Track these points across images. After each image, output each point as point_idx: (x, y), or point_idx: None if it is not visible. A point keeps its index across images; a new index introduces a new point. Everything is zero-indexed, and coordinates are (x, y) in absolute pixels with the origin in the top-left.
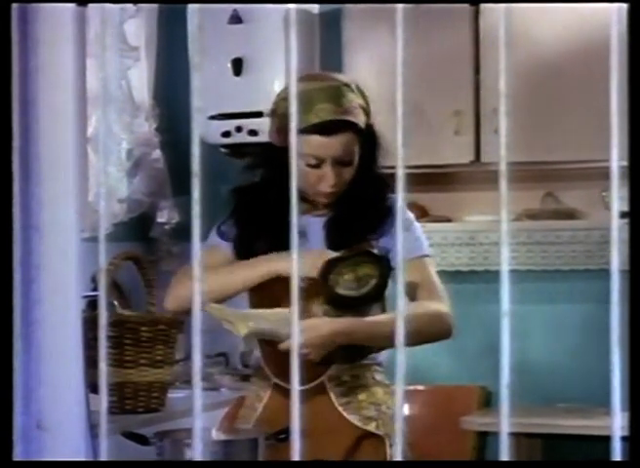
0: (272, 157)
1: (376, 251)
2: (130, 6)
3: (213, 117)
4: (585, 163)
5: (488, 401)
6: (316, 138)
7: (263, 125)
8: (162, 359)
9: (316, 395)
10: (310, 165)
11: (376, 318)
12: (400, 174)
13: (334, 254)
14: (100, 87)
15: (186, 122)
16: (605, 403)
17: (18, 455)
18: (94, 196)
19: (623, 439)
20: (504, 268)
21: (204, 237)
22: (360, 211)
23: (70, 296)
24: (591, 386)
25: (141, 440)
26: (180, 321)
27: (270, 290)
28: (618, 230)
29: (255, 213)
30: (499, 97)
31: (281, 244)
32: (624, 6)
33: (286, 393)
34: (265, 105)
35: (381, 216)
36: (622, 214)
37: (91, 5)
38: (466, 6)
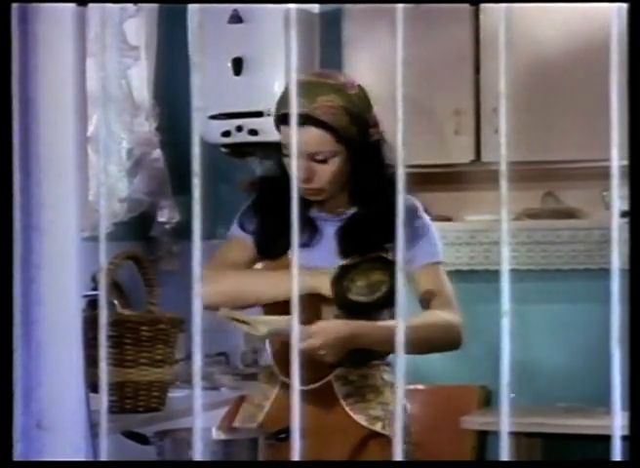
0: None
1: (389, 257)
2: (130, 5)
3: (213, 117)
4: (585, 162)
5: (488, 400)
6: (285, 129)
7: (264, 124)
8: (162, 358)
9: (323, 394)
10: (285, 155)
11: (389, 323)
12: (400, 173)
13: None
14: (100, 86)
15: (187, 121)
16: (605, 402)
17: (18, 455)
18: (94, 195)
19: (624, 438)
20: (505, 268)
21: (204, 236)
22: (373, 219)
23: (70, 296)
24: (591, 386)
25: (142, 439)
26: (180, 320)
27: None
28: (618, 230)
29: (275, 205)
30: (499, 97)
31: (299, 238)
32: (624, 6)
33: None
34: (266, 105)
35: (392, 224)
36: (623, 214)
37: (91, 5)
38: (466, 5)
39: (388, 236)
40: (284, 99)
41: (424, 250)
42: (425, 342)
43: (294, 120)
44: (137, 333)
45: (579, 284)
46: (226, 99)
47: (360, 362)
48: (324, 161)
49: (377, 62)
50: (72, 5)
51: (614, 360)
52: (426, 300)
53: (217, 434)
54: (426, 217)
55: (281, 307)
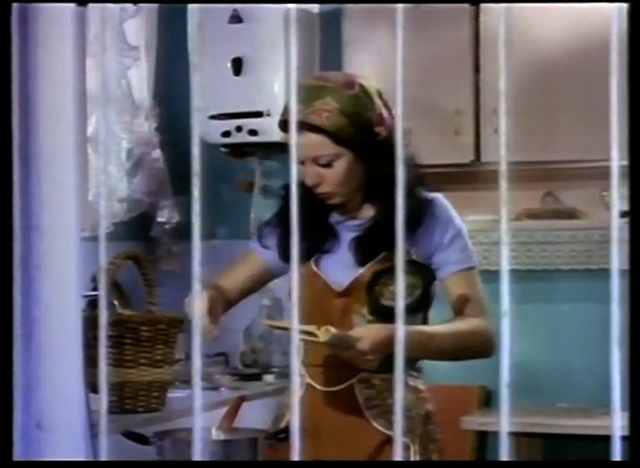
0: None
1: (420, 260)
2: (130, 5)
3: (213, 117)
4: (585, 162)
5: (488, 400)
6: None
7: (263, 125)
8: (162, 358)
9: (344, 397)
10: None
11: (424, 327)
12: (400, 173)
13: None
14: (99, 86)
15: (186, 121)
16: (605, 402)
17: (17, 455)
18: (94, 196)
19: (623, 438)
20: (504, 268)
21: (204, 236)
22: (389, 224)
23: (70, 296)
24: (591, 386)
25: (141, 439)
26: (179, 320)
27: (316, 306)
28: (618, 230)
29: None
30: (499, 97)
31: (317, 246)
32: (624, 6)
33: (318, 393)
34: (265, 105)
35: (412, 224)
36: (622, 214)
37: (91, 5)
38: (466, 5)
39: (405, 238)
40: (285, 106)
41: (457, 255)
42: (455, 349)
43: (293, 121)
44: (136, 334)
45: (578, 284)
46: (226, 100)
47: (391, 368)
48: (328, 165)
49: (377, 62)
50: (72, 5)
51: (613, 360)
52: (458, 306)
53: (216, 434)
54: (458, 219)
55: (315, 315)
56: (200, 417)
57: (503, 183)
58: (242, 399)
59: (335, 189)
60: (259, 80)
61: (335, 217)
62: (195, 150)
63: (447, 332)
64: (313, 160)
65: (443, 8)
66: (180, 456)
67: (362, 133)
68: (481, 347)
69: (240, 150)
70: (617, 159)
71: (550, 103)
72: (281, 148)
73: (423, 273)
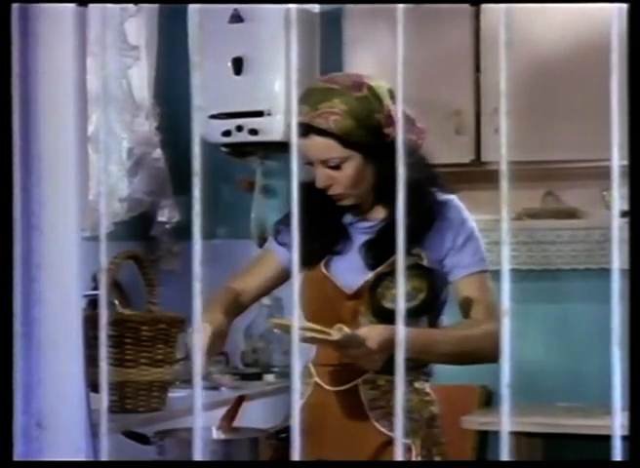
0: None
1: (425, 263)
2: (130, 5)
3: (213, 116)
4: (586, 162)
5: (488, 400)
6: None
7: (264, 124)
8: (162, 358)
9: (349, 397)
10: (307, 163)
11: (429, 330)
12: (400, 172)
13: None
14: (100, 86)
15: (187, 121)
16: (605, 402)
17: (18, 454)
18: (94, 195)
19: (624, 438)
20: (505, 267)
21: (205, 236)
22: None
23: (71, 295)
24: (591, 385)
25: (142, 439)
26: (180, 320)
27: (327, 309)
28: (618, 229)
29: (309, 212)
30: (499, 97)
31: (329, 247)
32: (624, 6)
33: (325, 392)
34: (266, 105)
35: (423, 226)
36: (623, 214)
37: (91, 5)
38: (466, 5)
39: (415, 241)
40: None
41: (469, 258)
42: (461, 354)
43: (294, 121)
44: (137, 333)
45: (579, 284)
46: (227, 99)
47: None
48: (337, 167)
49: (377, 62)
50: (72, 5)
51: (614, 360)
52: (466, 309)
53: (217, 434)
54: (471, 221)
55: (325, 317)
56: (200, 417)
57: (504, 183)
58: (242, 398)
59: (346, 191)
60: (259, 79)
61: (348, 218)
62: (196, 150)
63: (452, 336)
64: (323, 162)
65: (443, 8)
66: (181, 456)
67: (371, 135)
68: (489, 352)
69: (240, 150)
70: (617, 159)
71: (551, 103)
72: (282, 148)
73: (429, 277)
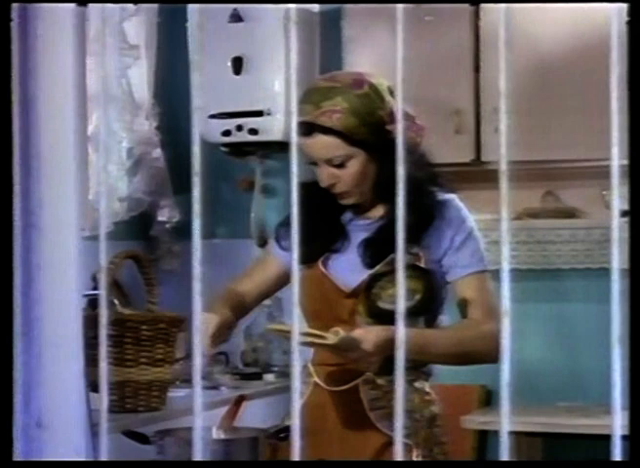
0: None
1: (422, 264)
2: (130, 5)
3: (213, 116)
4: (586, 162)
5: (488, 400)
6: (300, 139)
7: (264, 124)
8: (162, 358)
9: (349, 397)
10: (310, 163)
11: (426, 331)
12: (400, 172)
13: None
14: (100, 85)
15: (187, 121)
16: (605, 402)
17: (18, 454)
18: (94, 195)
19: (624, 438)
20: (505, 267)
21: (204, 236)
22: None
23: (71, 295)
24: (591, 385)
25: (142, 439)
26: (180, 319)
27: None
28: (618, 229)
29: (308, 212)
30: (499, 97)
31: (327, 245)
32: (624, 6)
33: (324, 392)
34: (265, 104)
35: (422, 225)
36: (623, 213)
37: (91, 4)
38: (466, 5)
39: (414, 240)
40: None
41: (467, 258)
42: (458, 354)
43: (294, 121)
44: (137, 333)
45: (579, 283)
46: (226, 99)
47: (388, 370)
48: (341, 165)
49: (377, 62)
50: (72, 5)
51: (614, 359)
52: (464, 309)
53: (217, 433)
54: (471, 221)
55: (324, 316)
56: (201, 416)
57: (504, 183)
58: (242, 398)
59: (350, 189)
60: (259, 79)
61: (347, 216)
62: (196, 149)
63: (448, 337)
64: (327, 161)
65: (443, 8)
66: (181, 456)
67: (374, 131)
68: (486, 353)
69: (240, 149)
70: (617, 158)
71: (550, 103)
72: (282, 147)
73: (425, 278)
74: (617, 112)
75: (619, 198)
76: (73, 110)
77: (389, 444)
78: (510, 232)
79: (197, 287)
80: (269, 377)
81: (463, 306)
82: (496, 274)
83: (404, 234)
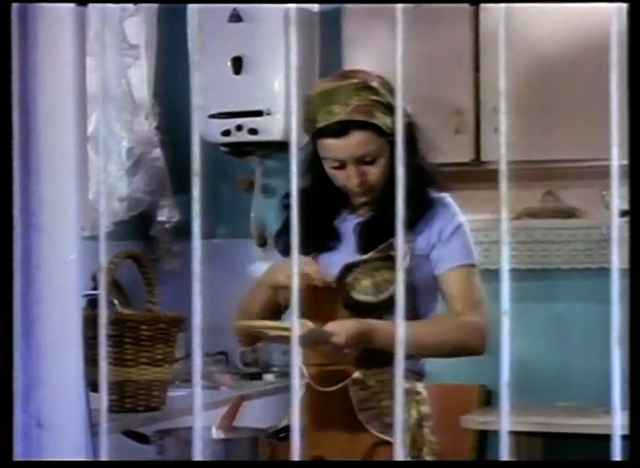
0: (316, 161)
1: (407, 258)
2: (130, 5)
3: (213, 116)
4: (585, 162)
5: (488, 400)
6: (329, 141)
7: (264, 123)
8: (162, 357)
9: (339, 398)
10: (334, 167)
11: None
12: (400, 173)
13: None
14: (99, 85)
15: (186, 120)
16: (605, 401)
17: (18, 454)
18: (94, 195)
19: (624, 438)
20: (505, 267)
21: (204, 235)
22: (388, 215)
23: (70, 295)
24: (591, 385)
25: (142, 438)
26: (179, 319)
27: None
28: (618, 229)
29: (306, 216)
30: (499, 97)
31: (320, 246)
32: (624, 6)
33: (316, 393)
34: (265, 104)
35: (416, 215)
36: (622, 213)
37: (91, 4)
38: (466, 5)
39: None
40: (312, 114)
41: (454, 252)
42: (439, 345)
43: (293, 121)
44: (137, 333)
45: (578, 283)
46: (226, 99)
47: (378, 364)
48: (372, 162)
49: (376, 62)
50: (72, 5)
51: (614, 359)
52: (449, 302)
53: (217, 433)
54: (461, 217)
55: (310, 305)
56: (200, 416)
57: (503, 182)
58: (242, 398)
59: (376, 184)
60: (258, 79)
61: (341, 217)
62: (195, 149)
63: (428, 328)
64: (358, 158)
65: (443, 7)
66: (181, 456)
67: (394, 122)
68: (470, 344)
69: (240, 149)
70: (617, 158)
71: (550, 103)
72: (282, 147)
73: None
74: (616, 112)
75: (618, 198)
76: (73, 110)
77: (378, 444)
78: (510, 232)
79: (197, 287)
80: (269, 377)
81: (449, 299)
82: (496, 274)
83: (390, 228)
